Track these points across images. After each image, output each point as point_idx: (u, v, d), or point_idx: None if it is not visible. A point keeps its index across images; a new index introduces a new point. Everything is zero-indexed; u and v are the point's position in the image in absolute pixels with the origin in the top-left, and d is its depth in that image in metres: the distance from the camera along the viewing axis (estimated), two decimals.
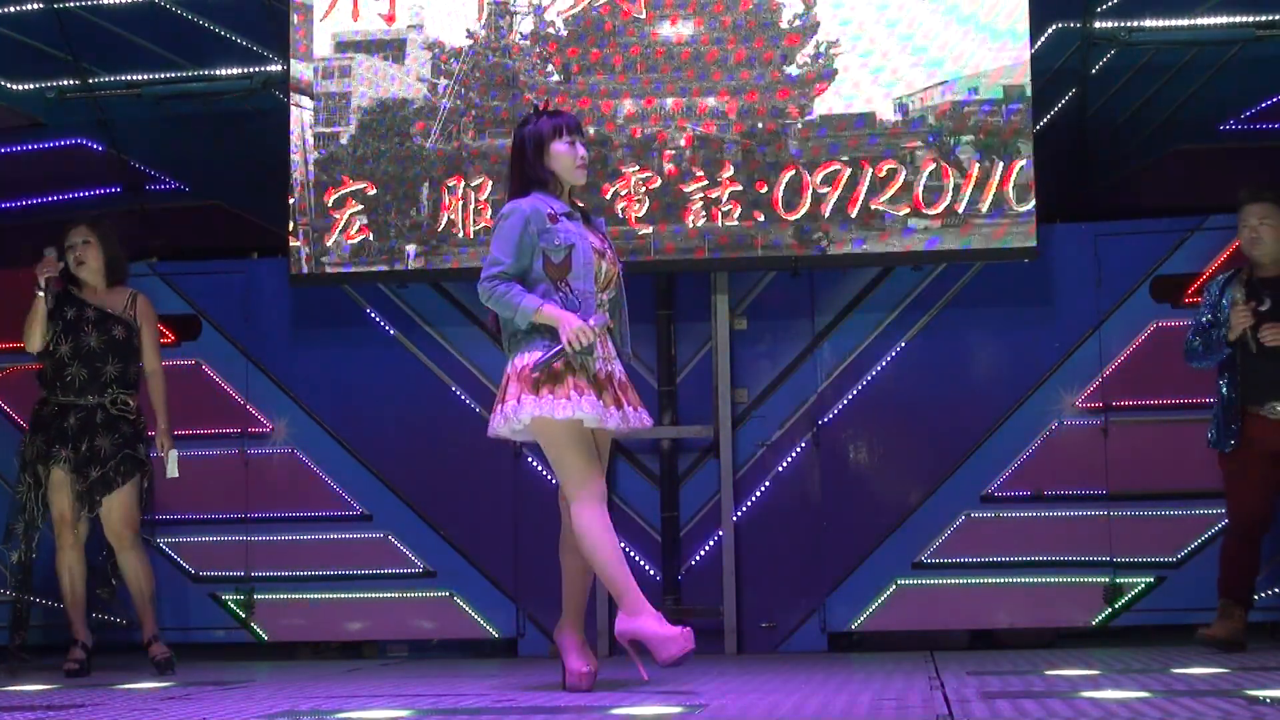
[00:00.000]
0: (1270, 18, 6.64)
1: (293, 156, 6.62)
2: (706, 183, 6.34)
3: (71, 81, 7.24)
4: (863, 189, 6.29)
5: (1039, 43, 6.62)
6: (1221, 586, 5.68)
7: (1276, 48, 6.75)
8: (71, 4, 6.95)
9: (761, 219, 6.31)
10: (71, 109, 7.39)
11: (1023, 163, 6.22)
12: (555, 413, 4.32)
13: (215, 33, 7.09)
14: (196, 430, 6.91)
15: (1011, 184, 6.23)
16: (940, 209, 6.26)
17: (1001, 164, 6.23)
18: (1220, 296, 5.71)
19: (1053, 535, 6.54)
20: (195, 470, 6.88)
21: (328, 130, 6.61)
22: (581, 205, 4.70)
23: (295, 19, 6.66)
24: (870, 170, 6.29)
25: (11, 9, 6.96)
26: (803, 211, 6.30)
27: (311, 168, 6.59)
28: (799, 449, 6.72)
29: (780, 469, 6.72)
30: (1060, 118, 7.11)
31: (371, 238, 6.54)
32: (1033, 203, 6.22)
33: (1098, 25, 6.77)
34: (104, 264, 5.89)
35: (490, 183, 6.43)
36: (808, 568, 6.64)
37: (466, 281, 6.80)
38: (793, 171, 6.32)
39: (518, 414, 4.38)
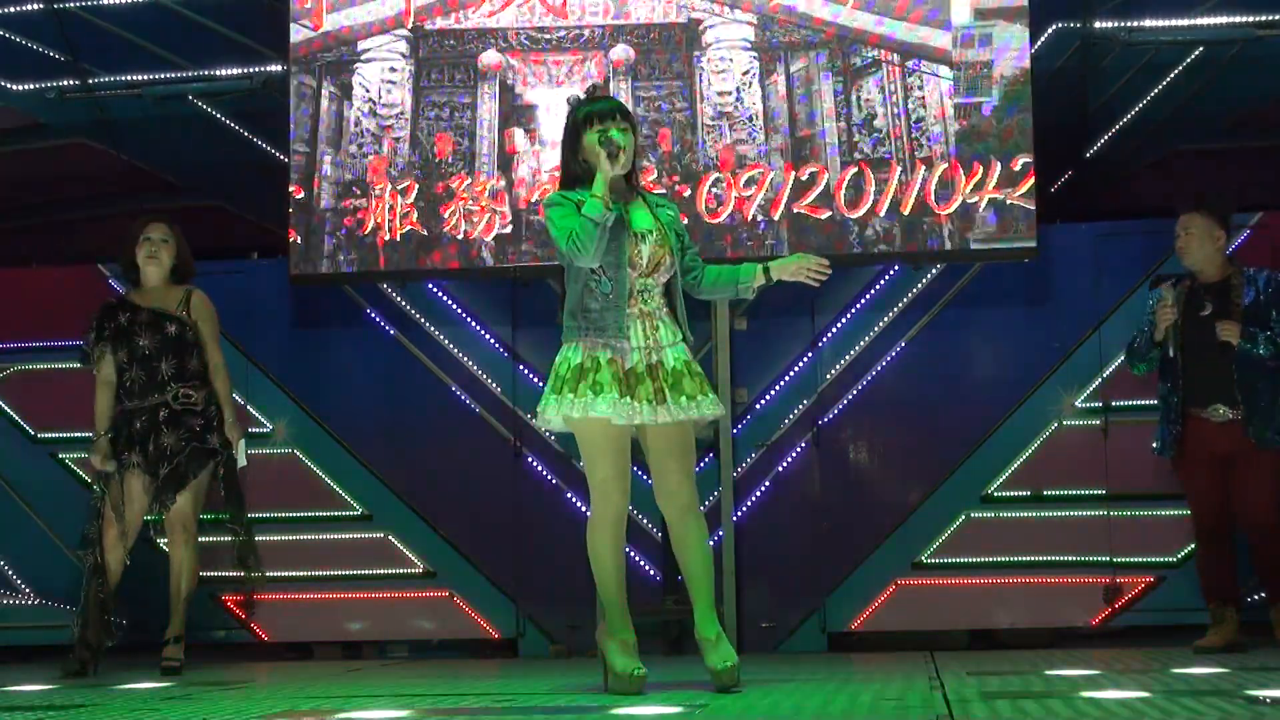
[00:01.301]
0: (1270, 17, 6.64)
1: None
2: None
3: (71, 81, 7.23)
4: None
5: (1039, 43, 6.62)
6: (1206, 592, 5.71)
7: (1276, 47, 6.74)
8: (71, 4, 6.95)
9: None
10: (71, 109, 7.38)
11: (1023, 163, 6.22)
12: (573, 412, 4.25)
13: (215, 33, 7.09)
14: None
15: (1012, 184, 6.23)
16: (940, 208, 6.26)
17: (1001, 164, 6.22)
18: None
19: (1053, 535, 6.54)
20: None
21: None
22: (640, 188, 4.53)
23: None
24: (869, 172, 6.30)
25: (11, 9, 6.96)
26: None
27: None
28: (799, 449, 6.72)
29: (780, 469, 6.72)
30: (1060, 118, 7.11)
31: None
32: (1033, 203, 6.22)
33: (1098, 25, 6.76)
34: (174, 262, 5.88)
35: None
36: (808, 568, 6.64)
37: (467, 282, 6.82)
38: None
39: (544, 414, 4.35)
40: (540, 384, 6.80)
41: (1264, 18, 6.65)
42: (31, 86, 7.31)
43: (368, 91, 6.60)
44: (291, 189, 6.59)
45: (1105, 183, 7.45)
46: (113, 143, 7.55)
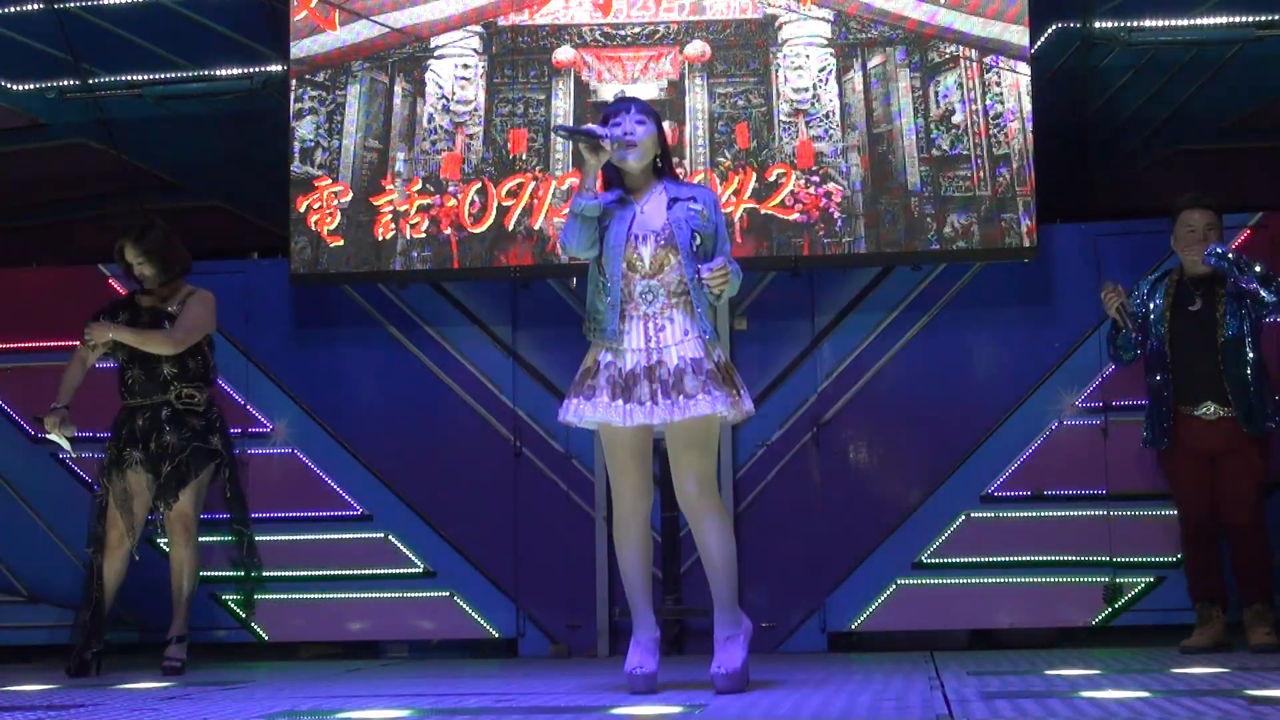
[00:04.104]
0: (1270, 18, 6.64)
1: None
2: None
3: (71, 81, 7.23)
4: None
5: (1039, 43, 6.62)
6: (1192, 591, 5.74)
7: (1276, 48, 6.75)
8: (71, 4, 6.95)
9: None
10: (71, 109, 7.38)
11: (1023, 163, 6.22)
12: (571, 416, 4.32)
13: (215, 33, 7.09)
14: None
15: (1011, 184, 6.23)
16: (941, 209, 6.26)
17: (1001, 164, 6.22)
18: (1149, 297, 5.84)
19: (1053, 535, 6.54)
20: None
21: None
22: (674, 179, 4.53)
23: None
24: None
25: (11, 9, 6.96)
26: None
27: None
28: (799, 449, 6.72)
29: (780, 469, 6.71)
30: (1060, 118, 7.11)
31: None
32: (1033, 203, 6.22)
33: (1098, 25, 6.76)
34: (160, 271, 5.85)
35: None
36: (808, 568, 6.64)
37: (467, 281, 6.81)
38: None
39: (561, 416, 4.40)
40: (540, 384, 6.88)
41: (1264, 18, 6.66)
42: (31, 86, 7.31)
43: (441, 88, 6.58)
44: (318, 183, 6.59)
45: (1105, 183, 7.45)
46: (113, 143, 7.55)
